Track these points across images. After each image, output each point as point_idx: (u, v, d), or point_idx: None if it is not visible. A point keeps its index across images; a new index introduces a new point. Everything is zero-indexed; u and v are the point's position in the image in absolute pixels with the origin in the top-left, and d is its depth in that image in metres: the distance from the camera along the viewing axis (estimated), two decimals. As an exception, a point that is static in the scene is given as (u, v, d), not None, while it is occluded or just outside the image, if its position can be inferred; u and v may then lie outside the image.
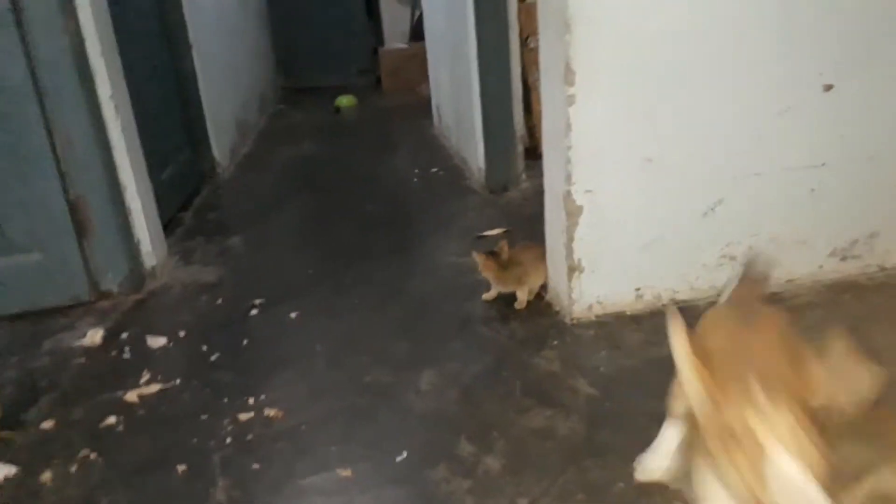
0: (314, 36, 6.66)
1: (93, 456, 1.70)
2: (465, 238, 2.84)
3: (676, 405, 1.38)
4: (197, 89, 3.83)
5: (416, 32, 5.95)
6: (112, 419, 1.84)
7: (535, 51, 2.51)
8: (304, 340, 2.18)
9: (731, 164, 2.09)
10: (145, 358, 2.14)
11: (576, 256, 2.09)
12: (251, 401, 1.87)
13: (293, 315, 2.33)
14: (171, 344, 2.21)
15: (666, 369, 1.90)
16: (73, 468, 1.66)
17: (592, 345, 2.02)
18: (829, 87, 2.05)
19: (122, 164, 2.53)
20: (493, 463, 1.59)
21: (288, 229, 3.24)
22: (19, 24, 2.22)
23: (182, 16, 3.66)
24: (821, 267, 2.23)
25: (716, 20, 1.94)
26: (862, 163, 2.15)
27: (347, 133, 5.22)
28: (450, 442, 1.67)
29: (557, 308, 2.22)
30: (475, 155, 3.46)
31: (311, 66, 6.75)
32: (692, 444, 1.23)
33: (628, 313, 2.14)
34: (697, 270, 2.16)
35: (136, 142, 2.65)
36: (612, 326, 2.09)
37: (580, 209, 2.05)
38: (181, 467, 1.64)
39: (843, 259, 2.24)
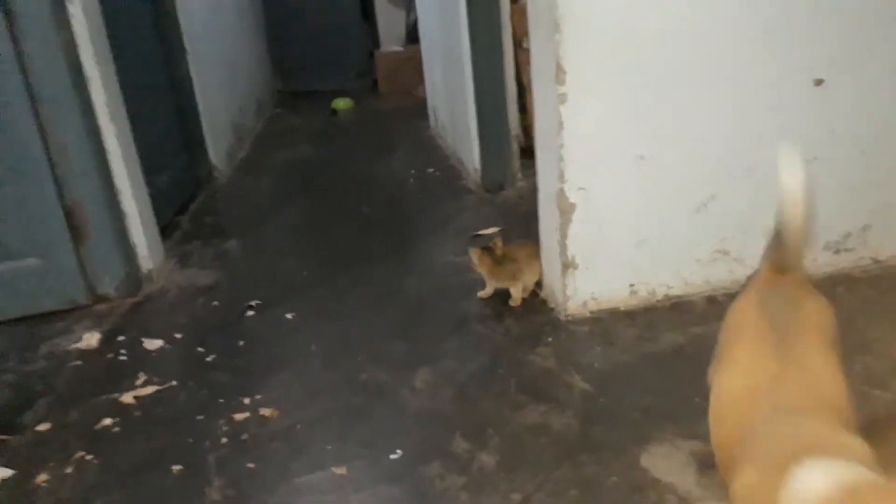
0: (310, 40, 6.68)
1: (88, 457, 1.71)
2: (462, 238, 2.85)
3: None
4: (193, 94, 3.84)
5: (412, 35, 5.96)
6: (108, 421, 1.84)
7: (529, 51, 2.52)
8: (300, 341, 2.19)
9: (723, 160, 2.09)
10: (141, 360, 2.14)
11: (569, 253, 2.10)
12: (247, 401, 1.88)
13: (289, 316, 2.34)
14: (168, 346, 2.22)
15: (660, 365, 1.92)
16: (69, 470, 1.66)
17: (587, 341, 2.03)
18: (819, 82, 2.06)
19: (117, 170, 2.54)
20: (487, 459, 1.60)
21: (285, 232, 3.25)
22: (12, 32, 2.23)
23: (177, 21, 3.68)
24: (814, 260, 2.23)
25: (706, 18, 1.95)
26: (854, 157, 2.15)
27: (344, 136, 5.23)
28: (445, 439, 1.67)
29: (552, 305, 2.23)
30: (471, 155, 3.47)
31: (307, 70, 6.76)
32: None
33: (622, 309, 2.15)
34: (691, 266, 2.17)
35: (132, 148, 2.66)
36: (607, 322, 2.10)
37: (573, 207, 2.06)
38: (176, 467, 1.65)
39: (837, 252, 2.24)
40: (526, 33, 3.29)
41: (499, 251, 2.21)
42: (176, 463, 1.66)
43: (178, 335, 2.27)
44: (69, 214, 2.43)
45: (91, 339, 2.26)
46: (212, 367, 2.08)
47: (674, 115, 2.03)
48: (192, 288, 2.63)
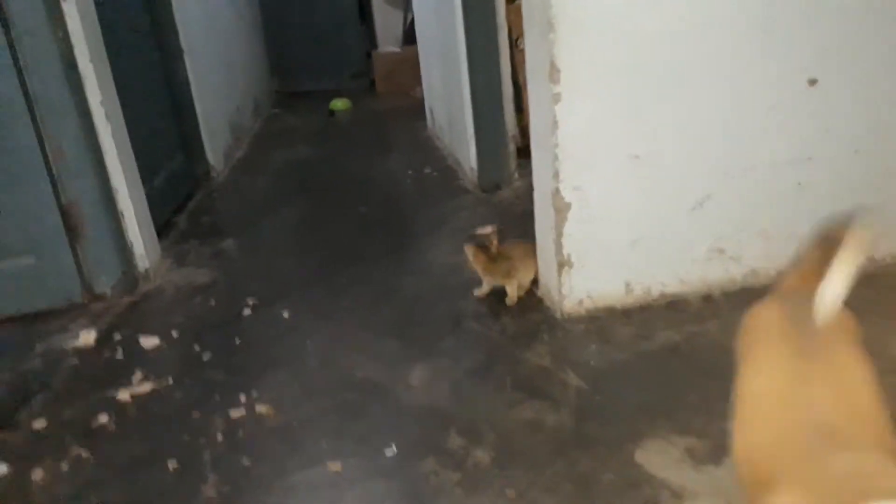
0: (308, 40, 6.69)
1: (84, 454, 1.71)
2: (458, 237, 2.84)
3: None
4: (190, 94, 3.85)
5: (409, 36, 5.97)
6: (104, 418, 1.85)
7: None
8: (297, 339, 2.19)
9: (719, 160, 2.10)
10: (138, 358, 2.15)
11: (565, 252, 2.10)
12: (243, 398, 1.88)
13: (286, 315, 2.34)
14: (164, 344, 2.22)
15: (655, 363, 1.92)
16: (65, 466, 1.67)
17: (583, 339, 2.04)
18: (813, 82, 2.07)
19: (113, 170, 2.54)
20: (482, 456, 1.60)
21: (282, 231, 3.26)
22: (7, 32, 2.24)
23: (173, 21, 3.68)
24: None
25: (701, 18, 1.96)
26: (848, 156, 2.16)
27: (341, 136, 5.24)
28: (440, 436, 1.68)
29: (548, 303, 2.23)
30: (467, 155, 3.48)
31: (304, 71, 6.77)
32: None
33: (618, 308, 2.16)
34: (687, 265, 2.18)
35: (128, 147, 2.66)
36: (603, 321, 2.11)
37: (568, 206, 2.06)
38: (172, 464, 1.65)
39: (832, 252, 2.25)
40: (522, 33, 3.31)
41: (493, 248, 2.22)
42: (172, 460, 1.66)
43: (174, 333, 2.27)
44: (65, 213, 2.44)
45: (87, 338, 2.26)
46: (208, 366, 2.08)
47: (669, 114, 2.03)
48: (189, 287, 2.63)
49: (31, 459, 1.70)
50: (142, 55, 3.29)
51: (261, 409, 1.83)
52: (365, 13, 6.82)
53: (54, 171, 2.39)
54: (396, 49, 6.53)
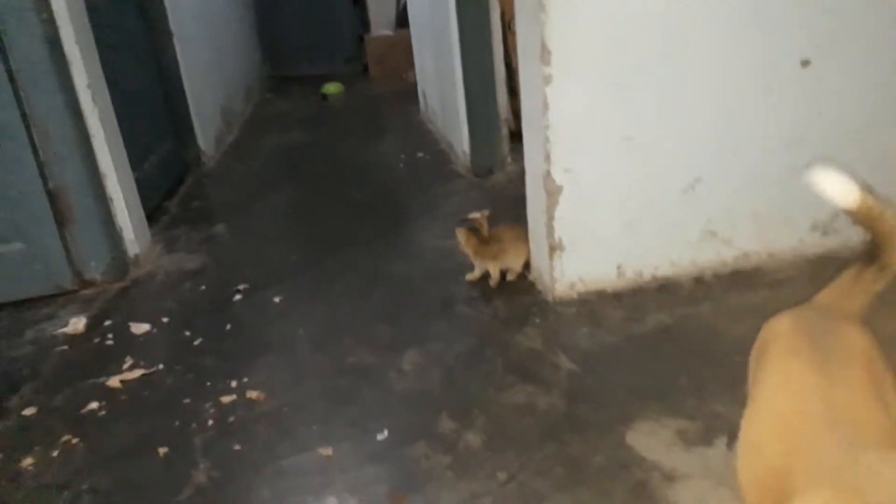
0: (300, 24, 6.62)
1: (74, 441, 1.70)
2: (450, 222, 2.83)
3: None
4: (180, 78, 3.80)
5: (402, 19, 5.91)
6: (94, 405, 1.84)
7: (515, 31, 2.50)
8: (288, 324, 2.18)
9: (710, 142, 2.09)
10: (128, 344, 2.14)
11: (556, 235, 2.09)
12: (234, 384, 1.88)
13: (277, 300, 2.33)
14: (155, 330, 2.21)
15: (646, 345, 1.92)
16: (55, 453, 1.66)
17: (574, 322, 2.03)
18: (806, 63, 2.05)
19: (101, 154, 2.51)
20: (473, 439, 1.60)
21: (273, 217, 3.24)
22: (-8, 13, 2.20)
23: (162, 4, 3.63)
24: (802, 241, 2.24)
25: (693, -2, 1.94)
26: (840, 138, 2.15)
27: (334, 120, 5.20)
28: (431, 420, 1.68)
29: (540, 287, 2.23)
30: (460, 139, 3.45)
31: (297, 55, 6.71)
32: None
33: (610, 291, 2.15)
34: (678, 247, 2.17)
35: (116, 131, 2.63)
36: (594, 304, 2.10)
37: (560, 188, 2.05)
38: (162, 450, 1.64)
39: (825, 233, 2.25)
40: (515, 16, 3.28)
41: (484, 232, 2.21)
42: (162, 446, 1.66)
43: (165, 319, 2.26)
44: (53, 199, 2.41)
45: (77, 324, 2.25)
46: (199, 351, 2.07)
47: (660, 96, 2.02)
48: (180, 272, 2.61)
49: (21, 447, 1.69)
50: (130, 38, 3.25)
51: (252, 394, 1.83)
52: (357, -4, 6.75)
53: (41, 156, 2.36)
54: (389, 32, 6.47)
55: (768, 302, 2.01)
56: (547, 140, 2.00)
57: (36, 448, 1.68)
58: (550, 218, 2.08)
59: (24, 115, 2.29)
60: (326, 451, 1.60)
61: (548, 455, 1.53)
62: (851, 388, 0.89)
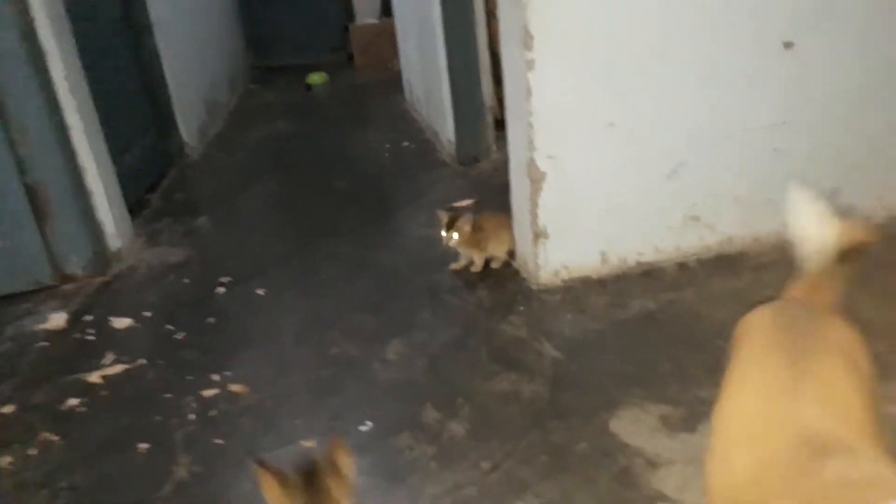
0: (284, 14, 6.55)
1: (54, 438, 1.68)
2: (436, 210, 2.82)
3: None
4: (161, 70, 3.75)
5: (387, 7, 5.86)
6: (74, 401, 1.82)
7: (498, 17, 2.47)
8: (271, 317, 2.16)
9: (694, 126, 2.08)
10: (110, 339, 2.11)
11: (541, 222, 2.08)
12: (216, 378, 1.86)
13: (260, 292, 2.31)
14: (137, 324, 2.18)
15: (630, 331, 1.91)
16: (33, 451, 1.64)
17: (558, 309, 2.02)
18: (789, 45, 2.04)
19: (80, 147, 2.48)
20: (457, 429, 1.59)
21: (257, 208, 3.21)
22: (-37, 4, 2.15)
23: (141, -6, 3.57)
24: (786, 225, 2.23)
25: (674, -21, 1.92)
26: (823, 120, 2.14)
27: (319, 110, 5.16)
28: (415, 410, 1.67)
29: (524, 275, 2.21)
30: (445, 127, 3.43)
31: (281, 45, 6.64)
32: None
33: (594, 277, 2.14)
34: (662, 233, 2.16)
35: (96, 124, 2.59)
36: (578, 291, 2.09)
37: (543, 175, 2.04)
38: (143, 446, 1.63)
39: (808, 217, 2.24)
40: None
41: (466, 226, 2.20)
42: (143, 441, 1.64)
43: (146, 313, 2.24)
44: (32, 193, 2.37)
45: (58, 320, 2.22)
46: (181, 345, 2.05)
47: (643, 80, 2.00)
48: (162, 266, 2.59)
49: (-1, 445, 1.67)
50: (109, 28, 3.20)
51: (234, 387, 1.81)
52: (342, -16, 6.68)
53: (18, 150, 2.32)
54: (374, 21, 6.41)
55: (752, 286, 2.01)
56: (530, 127, 1.98)
57: (14, 446, 1.66)
58: (534, 205, 2.06)
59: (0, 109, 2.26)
60: (310, 443, 1.58)
61: (532, 443, 1.52)
62: (829, 383, 0.87)
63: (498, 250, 2.26)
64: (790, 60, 2.05)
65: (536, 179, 2.04)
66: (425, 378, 1.80)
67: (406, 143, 3.84)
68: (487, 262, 2.27)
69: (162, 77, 3.75)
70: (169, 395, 1.80)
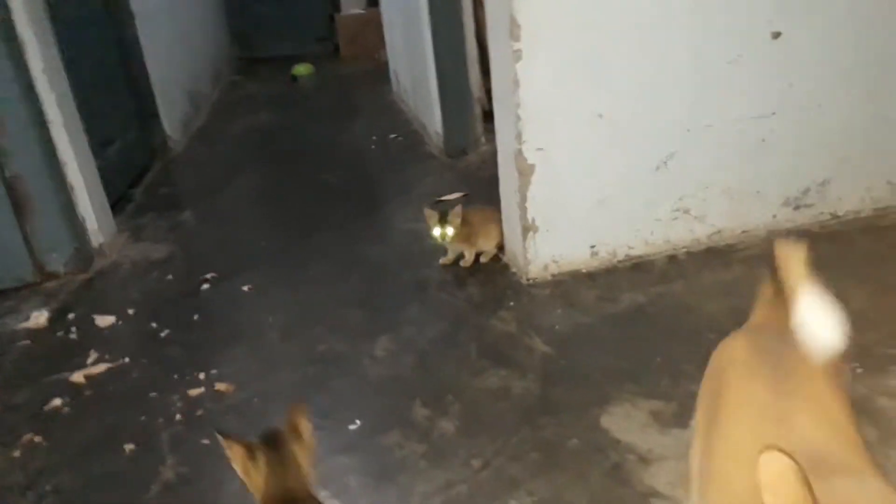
0: (269, 4, 6.46)
1: (37, 439, 1.65)
2: (424, 204, 2.79)
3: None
4: (143, 61, 3.69)
5: (373, -3, 5.80)
6: (57, 401, 1.78)
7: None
8: (257, 313, 2.14)
9: (682, 117, 2.06)
10: (93, 338, 2.08)
11: (529, 216, 2.06)
12: (201, 376, 1.83)
13: (246, 288, 2.28)
14: (120, 322, 2.15)
15: (620, 325, 1.90)
16: (16, 453, 1.61)
17: (548, 304, 2.01)
18: (776, 35, 2.03)
19: (60, 141, 2.43)
20: (447, 426, 1.58)
21: (242, 202, 3.17)
22: (-64, -6, 2.10)
23: (122, -16, 3.50)
24: (774, 217, 2.23)
25: (663, -31, 1.90)
26: (812, 111, 2.14)
27: (304, 102, 5.10)
28: (404, 407, 1.65)
29: (514, 269, 2.20)
30: (433, 119, 3.40)
31: (266, 36, 6.55)
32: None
33: (584, 271, 2.13)
34: (651, 225, 2.15)
35: (76, 117, 2.54)
36: (568, 285, 2.08)
37: (532, 168, 2.02)
38: (129, 447, 1.60)
39: (797, 208, 2.24)
40: (486, -8, 3.21)
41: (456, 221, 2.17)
42: (128, 442, 1.61)
43: (130, 311, 2.20)
44: (11, 188, 2.33)
45: (40, 318, 2.18)
46: (165, 343, 2.02)
47: (632, 71, 1.98)
48: (146, 262, 2.55)
49: (-20, 447, 1.64)
50: (89, 19, 3.13)
51: (220, 386, 1.79)
52: (327, -26, 6.60)
53: (-4, 145, 2.27)
54: (361, 11, 6.34)
55: (741, 279, 2.00)
56: (518, 118, 1.96)
57: (-4, 448, 1.63)
58: (523, 198, 2.04)
59: (-25, 103, 2.21)
60: (297, 441, 1.56)
61: (522, 440, 1.51)
62: (811, 407, 0.87)
63: (486, 245, 2.24)
64: (779, 50, 2.04)
65: (525, 172, 2.02)
66: (414, 374, 1.78)
67: (393, 135, 3.80)
68: (477, 257, 2.25)
69: (144, 69, 3.69)
70: (154, 395, 1.78)
